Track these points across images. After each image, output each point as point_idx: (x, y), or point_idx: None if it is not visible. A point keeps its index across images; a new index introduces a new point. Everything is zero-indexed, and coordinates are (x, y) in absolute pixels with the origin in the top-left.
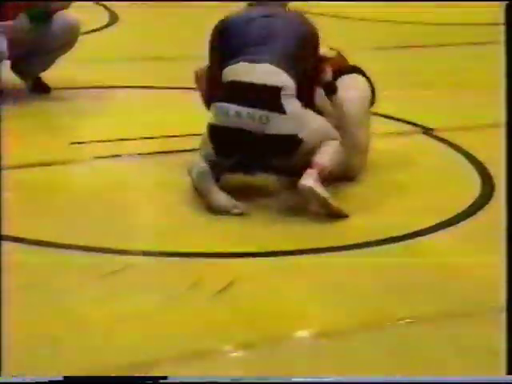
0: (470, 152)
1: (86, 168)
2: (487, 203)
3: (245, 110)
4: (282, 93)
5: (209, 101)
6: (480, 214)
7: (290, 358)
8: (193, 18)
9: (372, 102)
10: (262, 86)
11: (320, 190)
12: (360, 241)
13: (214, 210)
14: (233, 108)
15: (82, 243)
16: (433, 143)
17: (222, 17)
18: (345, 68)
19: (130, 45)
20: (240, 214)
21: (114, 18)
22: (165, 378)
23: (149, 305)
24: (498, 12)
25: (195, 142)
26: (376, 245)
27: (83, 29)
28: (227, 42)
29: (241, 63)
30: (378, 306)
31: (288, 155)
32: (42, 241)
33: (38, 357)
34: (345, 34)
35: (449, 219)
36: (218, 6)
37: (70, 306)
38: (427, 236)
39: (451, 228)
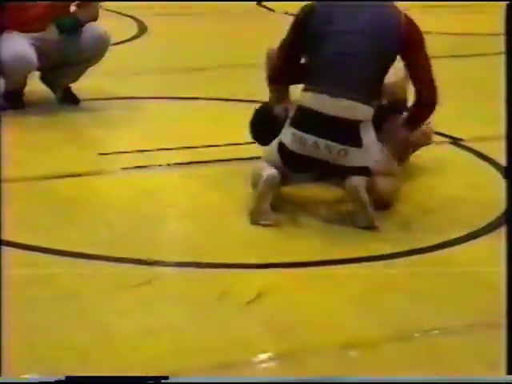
0: (499, 162)
1: (113, 179)
2: None
3: (323, 142)
4: (362, 126)
5: (274, 79)
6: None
7: (319, 369)
8: (221, 27)
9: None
10: (343, 119)
11: (364, 193)
12: (388, 252)
13: (253, 217)
14: (311, 139)
15: (109, 254)
16: (461, 153)
17: (248, 25)
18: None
19: (158, 55)
20: (269, 225)
21: (142, 29)
22: (166, 378)
23: (176, 317)
24: None
25: (224, 153)
26: (404, 256)
27: (112, 40)
28: (308, 46)
29: (322, 95)
30: (407, 317)
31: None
32: (70, 251)
33: (65, 368)
34: None
35: (477, 230)
36: (247, 14)
37: (98, 317)
38: (456, 247)
39: (480, 239)
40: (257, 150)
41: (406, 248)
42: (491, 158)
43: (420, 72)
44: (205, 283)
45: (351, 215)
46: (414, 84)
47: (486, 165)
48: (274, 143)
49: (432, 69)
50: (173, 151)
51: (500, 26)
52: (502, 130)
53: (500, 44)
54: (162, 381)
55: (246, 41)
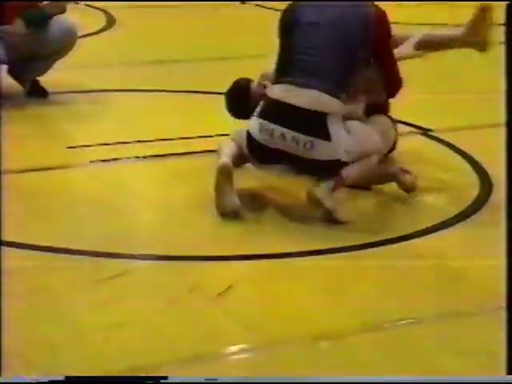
0: (469, 153)
1: (82, 172)
2: (485, 204)
3: (290, 133)
4: (329, 119)
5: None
6: (478, 214)
7: (291, 360)
8: (190, 20)
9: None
10: (310, 111)
11: (328, 201)
12: (358, 243)
13: (219, 209)
14: (278, 129)
15: (80, 248)
16: (432, 144)
17: (220, 18)
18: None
19: (127, 48)
20: (238, 216)
21: (111, 21)
22: (165, 378)
23: (148, 309)
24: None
25: (193, 145)
26: (375, 246)
27: (80, 32)
28: (280, 42)
29: (290, 86)
30: (378, 307)
31: (329, 174)
32: (40, 246)
33: (37, 362)
34: None
35: (447, 220)
36: (220, 6)
37: (69, 310)
38: (425, 237)
39: (449, 229)
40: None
41: (377, 238)
42: (461, 149)
43: (386, 59)
44: (176, 276)
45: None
46: (381, 69)
47: (456, 155)
48: (243, 130)
49: (396, 64)
50: (142, 144)
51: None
52: (471, 120)
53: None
54: (161, 380)
55: (216, 33)
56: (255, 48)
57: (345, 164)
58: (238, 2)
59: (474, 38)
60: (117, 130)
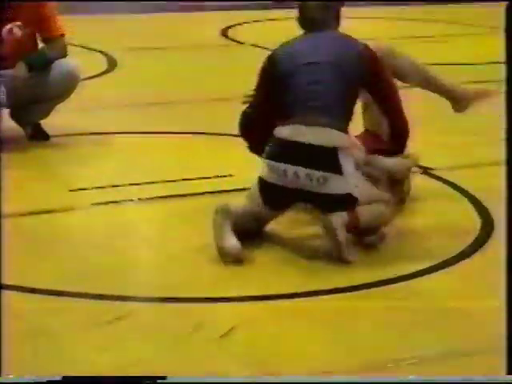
0: (470, 191)
1: (85, 215)
2: (486, 243)
3: (303, 171)
4: (340, 153)
5: (257, 144)
6: (479, 254)
7: None
8: (191, 61)
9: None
10: (321, 147)
11: (341, 234)
12: (358, 283)
13: (220, 253)
14: (291, 168)
15: (82, 290)
16: (433, 183)
17: (221, 57)
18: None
19: (128, 90)
20: (240, 262)
21: (112, 64)
22: (164, 377)
23: (150, 351)
24: (486, 53)
25: (196, 187)
26: (376, 286)
27: (82, 75)
28: (277, 89)
29: (296, 125)
30: (378, 347)
31: (343, 211)
32: (42, 288)
33: None
34: None
35: (448, 260)
36: (217, 47)
37: (71, 354)
38: (426, 277)
39: (450, 269)
40: (229, 183)
41: (377, 278)
42: (461, 187)
43: (387, 103)
44: (178, 318)
45: (326, 247)
46: (385, 116)
47: (456, 194)
48: (254, 184)
49: (399, 99)
50: (145, 185)
51: (470, 56)
52: (472, 158)
53: (467, 73)
54: (159, 380)
55: (215, 75)
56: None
57: (355, 200)
58: (235, 43)
59: (462, 102)
60: (118, 172)
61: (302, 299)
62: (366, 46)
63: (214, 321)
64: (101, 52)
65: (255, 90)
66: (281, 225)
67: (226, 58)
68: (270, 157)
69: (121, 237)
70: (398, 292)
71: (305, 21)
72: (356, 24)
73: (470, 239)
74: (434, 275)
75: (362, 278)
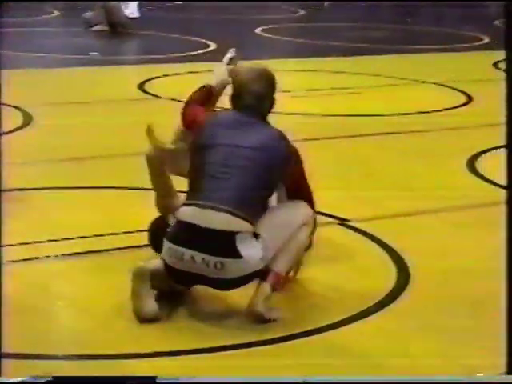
0: (385, 241)
1: (3, 272)
2: (402, 292)
3: (200, 256)
4: (238, 237)
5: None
6: (396, 303)
7: None
8: (108, 116)
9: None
10: (219, 231)
11: (268, 313)
12: (274, 336)
13: (137, 314)
14: (187, 252)
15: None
16: (349, 234)
17: (138, 112)
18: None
19: (43, 146)
20: (157, 320)
21: (27, 120)
22: (153, 378)
23: None
24: (399, 103)
25: (111, 242)
26: (290, 340)
27: None
28: (194, 160)
29: (197, 208)
30: None
31: (245, 284)
32: None
33: None
34: None
35: (364, 310)
36: (136, 101)
37: None
38: (343, 328)
39: (367, 319)
40: (142, 238)
41: (293, 331)
42: (377, 238)
43: (299, 187)
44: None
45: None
46: (293, 197)
47: (372, 244)
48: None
49: (308, 184)
50: (61, 242)
51: (380, 107)
52: (386, 210)
53: (379, 125)
54: (150, 380)
55: (132, 129)
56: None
57: (268, 271)
58: (153, 97)
59: None
60: (35, 228)
61: (217, 354)
62: (291, 145)
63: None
64: (16, 107)
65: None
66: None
67: (143, 113)
68: (170, 239)
69: (37, 295)
70: (314, 347)
71: (240, 106)
72: (277, 76)
73: (387, 289)
74: (349, 327)
75: (277, 332)
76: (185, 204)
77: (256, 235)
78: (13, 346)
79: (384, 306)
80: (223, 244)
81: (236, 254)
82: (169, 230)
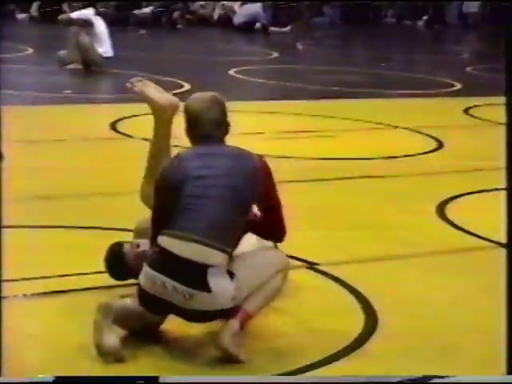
0: (354, 286)
1: None
2: (370, 337)
3: (171, 283)
4: (210, 271)
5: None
6: (363, 348)
7: None
8: (79, 155)
9: None
10: (191, 261)
11: (234, 348)
12: (244, 380)
13: (99, 352)
14: (160, 278)
15: None
16: (317, 278)
17: (109, 151)
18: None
19: (14, 184)
20: (117, 361)
21: None
22: (156, 378)
23: None
24: (367, 149)
25: (80, 282)
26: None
27: None
28: (166, 199)
29: (171, 237)
30: None
31: (213, 320)
32: None
33: None
34: None
35: (333, 354)
36: (107, 140)
37: None
38: (311, 372)
39: (336, 363)
40: (109, 279)
41: (262, 373)
42: (345, 282)
43: (272, 213)
44: None
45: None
46: (266, 222)
47: (340, 288)
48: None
49: (281, 209)
50: (29, 281)
51: (347, 151)
52: (355, 254)
53: (353, 168)
54: (152, 381)
55: (104, 169)
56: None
57: (236, 310)
58: (125, 137)
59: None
60: (6, 267)
61: None
62: (260, 159)
63: None
64: None
65: (154, 198)
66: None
67: (114, 152)
68: (148, 263)
69: (5, 333)
70: None
71: (198, 136)
72: (249, 118)
73: (354, 334)
74: (316, 372)
75: (241, 374)
76: (163, 234)
77: (231, 274)
78: None
79: (352, 350)
80: (194, 275)
81: (205, 288)
82: (150, 254)
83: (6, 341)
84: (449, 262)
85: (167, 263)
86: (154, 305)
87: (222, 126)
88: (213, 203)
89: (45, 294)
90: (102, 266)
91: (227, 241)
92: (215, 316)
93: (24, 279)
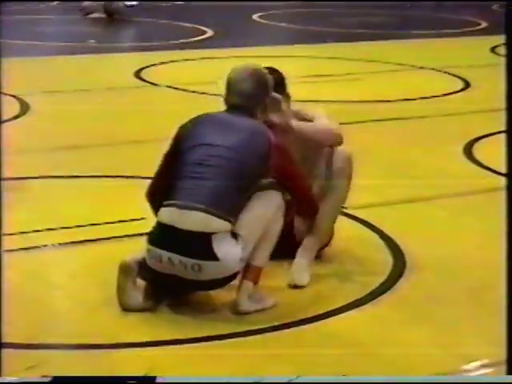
0: (382, 229)
1: None
2: (398, 281)
3: (177, 258)
4: (214, 238)
5: (152, 197)
6: (391, 291)
7: None
8: (105, 104)
9: None
10: (194, 233)
11: (252, 307)
12: (271, 324)
13: (122, 307)
14: (165, 254)
15: None
16: (345, 221)
17: (135, 99)
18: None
19: (41, 134)
20: (148, 310)
21: (24, 108)
22: (153, 378)
23: None
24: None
25: (110, 231)
26: (287, 328)
27: None
28: (172, 162)
29: (175, 209)
30: None
31: (226, 285)
32: None
33: None
34: None
35: (358, 299)
36: (132, 88)
37: None
38: (338, 317)
39: (363, 307)
40: (140, 226)
41: (287, 320)
42: (373, 225)
43: (295, 191)
44: (93, 365)
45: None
46: (292, 199)
47: (368, 231)
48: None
49: (305, 184)
50: (59, 231)
51: (377, 94)
52: (383, 196)
53: (379, 111)
54: (149, 380)
55: (130, 117)
56: (169, 130)
57: (240, 271)
58: (150, 85)
59: None
60: (32, 217)
61: (210, 344)
62: (277, 143)
63: (127, 366)
64: (13, 96)
65: (162, 157)
66: None
67: (140, 100)
68: (149, 241)
69: (33, 284)
70: (309, 336)
71: (226, 103)
72: (273, 63)
73: (382, 277)
74: (342, 316)
75: (271, 319)
76: (163, 205)
77: (235, 235)
78: (7, 335)
79: (379, 294)
80: (199, 246)
81: (213, 256)
82: (149, 231)
83: (32, 292)
84: (477, 203)
85: (171, 238)
86: (163, 280)
87: (253, 100)
88: (216, 173)
89: (75, 243)
90: (128, 215)
91: (229, 210)
92: (227, 281)
93: (54, 229)
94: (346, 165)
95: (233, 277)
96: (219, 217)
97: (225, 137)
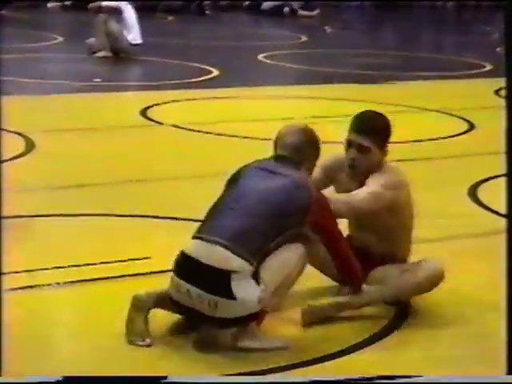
0: None
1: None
2: (399, 327)
3: (195, 291)
4: (233, 277)
5: None
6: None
7: None
8: (110, 142)
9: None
10: (215, 268)
11: (256, 344)
12: (285, 363)
13: (128, 335)
14: (185, 285)
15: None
16: None
17: (141, 138)
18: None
19: (45, 173)
20: (147, 346)
21: (29, 146)
22: (164, 377)
23: None
24: None
25: (112, 270)
26: (301, 366)
27: None
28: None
29: (200, 241)
30: None
31: (241, 325)
32: None
33: None
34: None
35: (352, 346)
36: (138, 127)
37: None
38: (354, 354)
39: (354, 354)
40: (143, 266)
41: (304, 358)
42: None
43: (331, 248)
44: None
45: None
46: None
47: None
48: None
49: (342, 242)
50: (61, 270)
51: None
52: None
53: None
54: (161, 380)
55: (134, 156)
56: (172, 170)
57: (257, 315)
58: (156, 124)
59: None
60: (35, 256)
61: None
62: (318, 197)
63: None
64: (18, 134)
65: None
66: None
67: (144, 139)
68: (173, 269)
69: (36, 322)
70: (325, 371)
71: (276, 152)
72: (277, 103)
73: (384, 320)
74: (359, 352)
75: (286, 359)
76: (192, 237)
77: (256, 276)
78: (11, 371)
79: (379, 338)
80: (218, 282)
81: (230, 295)
82: (175, 259)
83: (39, 329)
84: (480, 245)
85: (192, 270)
86: (180, 311)
87: (299, 153)
88: (246, 213)
89: (77, 282)
90: (132, 254)
91: (252, 252)
92: (242, 321)
93: (56, 267)
94: None
95: (249, 318)
96: (239, 255)
97: (265, 181)
